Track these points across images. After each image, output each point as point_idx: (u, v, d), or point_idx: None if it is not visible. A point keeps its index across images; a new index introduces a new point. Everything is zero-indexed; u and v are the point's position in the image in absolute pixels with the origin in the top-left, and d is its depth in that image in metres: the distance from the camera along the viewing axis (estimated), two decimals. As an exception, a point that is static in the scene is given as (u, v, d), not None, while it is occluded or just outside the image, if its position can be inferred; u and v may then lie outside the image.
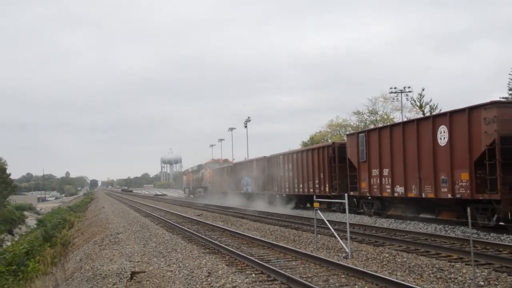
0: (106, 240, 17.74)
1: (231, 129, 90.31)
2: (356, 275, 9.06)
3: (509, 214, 15.07)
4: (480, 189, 15.91)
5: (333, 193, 25.93)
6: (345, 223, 15.37)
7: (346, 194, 13.01)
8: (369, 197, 22.54)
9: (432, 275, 9.09)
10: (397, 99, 55.47)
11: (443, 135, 17.57)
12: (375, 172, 21.81)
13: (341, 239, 12.68)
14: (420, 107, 50.52)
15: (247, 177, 40.72)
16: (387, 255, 11.20)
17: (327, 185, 26.73)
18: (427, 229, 16.80)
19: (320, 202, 13.55)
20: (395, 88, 55.46)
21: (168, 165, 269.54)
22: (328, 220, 14.13)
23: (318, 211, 13.58)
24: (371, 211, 22.48)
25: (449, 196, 17.09)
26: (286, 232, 17.41)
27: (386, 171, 21.00)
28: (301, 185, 29.85)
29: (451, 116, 17.25)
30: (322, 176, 27.30)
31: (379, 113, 57.55)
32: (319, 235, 15.46)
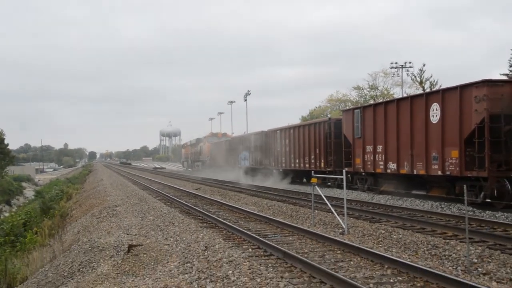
0: (104, 212, 17.85)
1: (231, 102, 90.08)
2: (352, 251, 9.15)
3: (495, 191, 15.42)
4: (469, 166, 16.23)
5: (328, 169, 26.24)
6: (342, 199, 15.51)
7: (344, 170, 13.05)
8: (363, 173, 22.84)
9: (427, 252, 9.17)
10: (398, 74, 55.23)
11: (435, 113, 17.76)
12: (369, 148, 22.05)
13: (338, 215, 12.76)
14: (421, 83, 50.24)
15: (245, 152, 40.89)
16: (383, 232, 11.29)
17: (322, 161, 27.00)
18: (423, 206, 16.91)
19: (317, 178, 13.57)
20: (395, 63, 55.13)
21: (167, 138, 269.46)
22: (325, 196, 14.19)
23: (316, 187, 13.63)
24: (364, 187, 22.82)
25: (439, 173, 17.41)
26: (283, 207, 17.51)
27: (380, 148, 21.24)
28: (297, 160, 30.14)
29: (443, 94, 17.41)
30: (317, 151, 27.54)
31: (379, 88, 57.33)
32: (316, 211, 15.55)
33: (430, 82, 49.33)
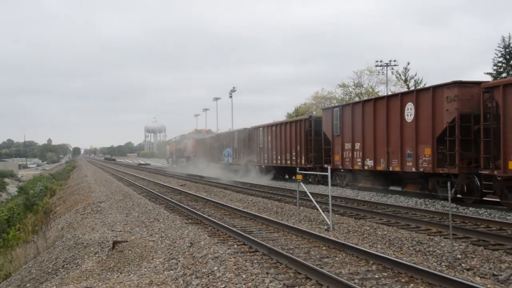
0: (88, 208, 17.70)
1: (216, 99, 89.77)
2: (337, 247, 9.17)
3: (465, 187, 16.00)
4: (441, 163, 16.78)
5: (308, 165, 26.74)
6: (327, 195, 15.59)
7: (329, 167, 13.08)
8: (342, 170, 23.33)
9: (411, 248, 9.24)
10: (383, 72, 55.54)
11: (410, 112, 18.29)
12: (347, 145, 22.58)
13: (323, 211, 12.80)
14: (405, 81, 50.68)
15: (228, 148, 41.24)
16: (368, 228, 11.37)
17: (303, 158, 27.49)
18: (408, 203, 17.05)
19: (301, 174, 13.63)
20: (380, 61, 55.45)
21: (152, 134, 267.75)
22: (310, 193, 14.23)
23: (301, 183, 13.65)
24: (343, 183, 23.31)
25: (413, 169, 17.93)
26: (268, 203, 17.54)
27: (357, 145, 21.77)
28: (279, 157, 30.66)
29: (417, 94, 18.02)
30: (298, 148, 28.03)
31: (364, 86, 57.59)
32: (302, 207, 15.61)
33: (415, 81, 49.80)
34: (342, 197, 18.87)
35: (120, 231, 12.07)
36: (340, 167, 23.12)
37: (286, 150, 29.62)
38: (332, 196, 15.76)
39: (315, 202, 13.14)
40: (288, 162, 29.36)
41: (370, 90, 56.69)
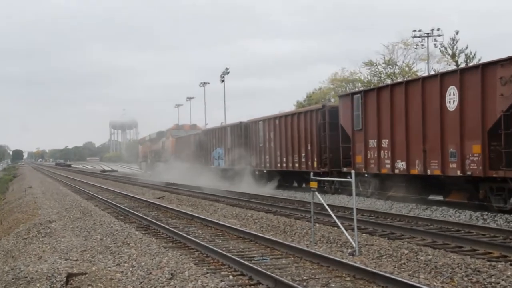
0: (33, 231, 17.62)
1: (203, 84, 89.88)
2: (365, 278, 9.10)
3: None
4: (495, 164, 16.67)
5: (322, 169, 26.88)
6: (350, 208, 15.46)
7: (352, 171, 13.01)
8: (366, 175, 23.34)
9: (466, 278, 9.16)
10: (422, 45, 55.54)
11: (452, 98, 18.32)
12: (372, 143, 22.68)
13: (346, 229, 12.72)
14: (453, 56, 50.55)
15: (218, 148, 41.52)
16: (406, 251, 11.29)
17: (315, 160, 27.73)
18: (459, 218, 16.99)
19: (316, 181, 13.54)
20: (419, 31, 55.41)
21: (120, 131, 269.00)
22: (329, 205, 14.16)
23: (317, 193, 13.58)
24: (367, 192, 23.39)
25: (459, 173, 17.94)
26: (274, 220, 17.50)
27: (385, 142, 21.88)
28: (284, 159, 30.94)
29: (462, 75, 17.98)
30: (309, 147, 28.26)
31: (398, 64, 57.60)
32: (317, 224, 15.52)
33: (466, 55, 49.67)
34: (370, 210, 18.83)
35: (77, 260, 11.97)
36: (363, 170, 23.19)
37: (294, 150, 29.80)
38: (358, 210, 15.66)
39: (335, 218, 13.06)
40: (297, 165, 29.60)
41: (406, 69, 56.74)
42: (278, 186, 32.49)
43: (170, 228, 15.86)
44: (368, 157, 22.87)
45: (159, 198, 29.23)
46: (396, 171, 21.14)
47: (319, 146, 27.34)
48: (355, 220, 12.18)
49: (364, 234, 13.91)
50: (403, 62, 57.75)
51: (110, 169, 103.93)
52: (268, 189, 31.49)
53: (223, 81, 78.53)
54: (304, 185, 31.74)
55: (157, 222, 17.49)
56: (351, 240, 12.11)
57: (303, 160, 28.85)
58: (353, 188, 12.42)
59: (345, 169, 24.73)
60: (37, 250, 13.84)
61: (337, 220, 12.98)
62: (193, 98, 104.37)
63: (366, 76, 59.19)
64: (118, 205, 24.70)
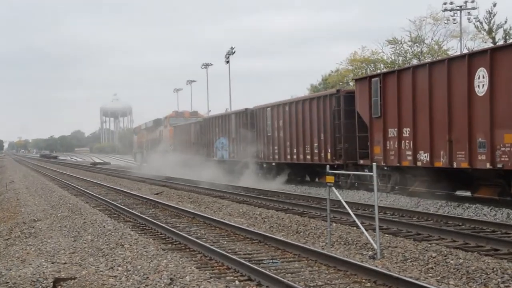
0: (16, 231, 17.73)
1: (206, 65, 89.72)
2: (388, 283, 9.13)
3: None
4: None
5: (337, 162, 26.98)
6: (371, 206, 15.44)
7: (374, 164, 12.99)
8: (385, 168, 23.40)
9: (502, 285, 9.18)
10: (454, 20, 55.15)
11: (481, 81, 18.25)
12: (392, 132, 22.74)
13: (366, 230, 12.73)
14: (489, 32, 50.27)
15: (222, 138, 41.68)
16: (434, 254, 11.30)
17: (329, 151, 27.85)
18: (495, 217, 16.95)
19: (332, 175, 13.54)
20: (451, 3, 54.98)
21: (112, 118, 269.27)
22: (347, 202, 14.17)
23: (333, 189, 13.59)
24: (387, 187, 23.50)
25: (488, 166, 17.88)
26: (285, 218, 17.54)
27: (406, 131, 21.94)
28: (295, 150, 31.10)
29: (492, 55, 17.88)
30: (322, 137, 28.41)
31: (426, 42, 57.34)
32: (334, 224, 15.55)
33: (505, 31, 49.35)
34: (394, 208, 18.83)
35: (65, 263, 12.04)
36: (382, 163, 23.24)
37: (305, 140, 29.96)
38: (380, 207, 15.65)
39: (354, 216, 13.07)
40: (308, 157, 29.77)
41: (435, 47, 56.45)
42: (288, 180, 32.65)
43: (169, 228, 15.90)
44: (388, 148, 22.94)
45: (156, 194, 29.27)
46: (419, 163, 21.18)
47: (333, 135, 27.43)
48: (376, 219, 12.18)
49: (386, 235, 13.90)
50: (432, 39, 57.59)
51: (101, 161, 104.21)
52: (277, 184, 31.61)
53: (228, 62, 78.38)
54: (317, 179, 31.83)
55: (154, 221, 17.53)
56: (372, 241, 12.12)
57: (316, 151, 28.99)
58: (375, 183, 12.42)
59: (362, 162, 24.86)
60: (21, 252, 13.92)
61: (356, 219, 12.99)
62: (194, 81, 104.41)
63: (390, 56, 59.07)
64: (111, 201, 24.76)
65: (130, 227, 17.34)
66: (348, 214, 13.64)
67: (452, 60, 20.02)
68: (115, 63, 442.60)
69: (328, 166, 14.44)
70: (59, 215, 20.76)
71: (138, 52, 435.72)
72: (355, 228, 14.53)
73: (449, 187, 21.29)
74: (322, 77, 67.72)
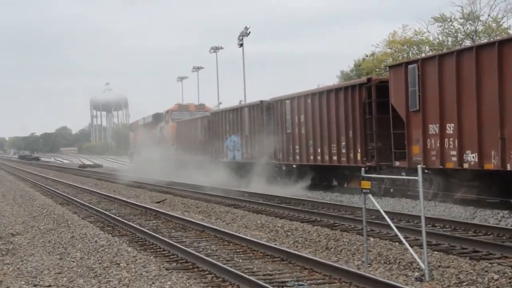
0: (-9, 247, 17.76)
1: (215, 49, 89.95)
2: (439, 311, 9.04)
3: None
4: None
5: (368, 163, 26.91)
6: (415, 217, 15.27)
7: (419, 167, 12.90)
8: (426, 171, 23.25)
9: None
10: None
11: None
12: (433, 128, 22.79)
13: (411, 246, 12.64)
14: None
15: (234, 136, 41.89)
16: (496, 276, 11.22)
17: (358, 150, 27.88)
18: None
19: (368, 180, 13.46)
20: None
21: (104, 113, 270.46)
22: (386, 212, 14.12)
23: (370, 197, 13.51)
24: (428, 193, 23.34)
25: None
26: (312, 232, 17.53)
27: (450, 128, 21.97)
28: (318, 150, 31.20)
29: None
30: (351, 134, 28.44)
31: (481, 18, 56.97)
32: (372, 238, 15.51)
33: None
34: (444, 219, 18.74)
35: (50, 286, 12.07)
36: (422, 165, 22.90)
37: (331, 138, 30.05)
38: (428, 219, 15.52)
39: (396, 230, 12.99)
40: (335, 158, 29.87)
41: (493, 25, 56.08)
42: (311, 184, 32.82)
43: (173, 243, 15.89)
44: (428, 147, 22.98)
45: (158, 202, 29.32)
46: (465, 165, 21.19)
47: (364, 132, 27.49)
48: (423, 233, 12.09)
49: (436, 252, 13.82)
50: (488, 16, 57.16)
51: (92, 163, 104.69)
52: (299, 190, 31.75)
53: (241, 45, 78.55)
54: (346, 185, 31.80)
55: (156, 235, 17.54)
56: (418, 260, 12.03)
57: (343, 151, 29.04)
58: (420, 189, 12.33)
59: (397, 163, 24.95)
60: (-3, 272, 13.96)
61: (398, 233, 12.90)
62: (201, 68, 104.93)
63: (437, 37, 58.77)
64: (104, 212, 24.81)
65: (127, 242, 17.33)
66: (388, 226, 13.57)
67: (503, 43, 19.95)
68: (107, 47, 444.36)
69: (363, 170, 14.36)
70: (42, 227, 20.81)
71: (135, 34, 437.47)
72: (397, 243, 14.45)
73: (501, 194, 21.18)
74: (355, 63, 67.44)
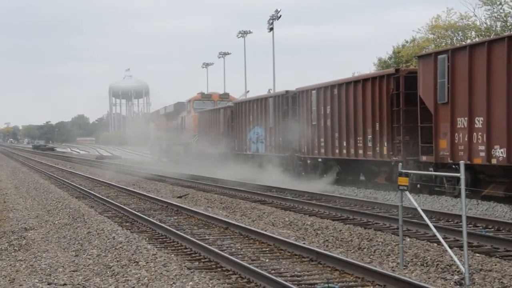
0: (2, 242, 17.90)
1: (244, 33, 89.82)
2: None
3: None
4: None
5: (394, 158, 27.51)
6: (455, 216, 15.18)
7: (462, 163, 12.84)
8: (454, 165, 23.69)
9: None
10: None
11: None
12: (461, 122, 23.25)
13: (450, 247, 12.60)
14: None
15: (257, 127, 42.29)
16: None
17: (385, 144, 28.41)
18: None
19: (405, 176, 13.44)
20: None
21: (124, 101, 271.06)
22: (424, 210, 14.07)
23: (407, 194, 13.49)
24: (455, 189, 23.94)
25: None
26: (344, 231, 17.54)
27: (479, 121, 22.36)
28: (344, 143, 31.80)
29: None
30: (378, 127, 29.01)
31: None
32: (408, 239, 15.47)
33: None
34: (487, 219, 18.66)
35: (65, 284, 12.15)
36: (449, 160, 23.75)
37: (357, 131, 30.62)
38: (469, 218, 15.44)
39: (434, 230, 12.95)
40: (360, 152, 30.39)
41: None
42: (337, 180, 33.31)
43: (195, 241, 15.92)
44: (456, 141, 23.41)
45: (180, 197, 29.44)
46: (494, 161, 21.56)
47: (391, 125, 27.97)
48: (464, 233, 12.04)
49: (477, 255, 13.78)
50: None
51: (110, 154, 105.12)
52: (324, 185, 32.14)
53: (271, 29, 78.37)
54: (373, 180, 31.97)
55: (177, 232, 17.57)
56: (458, 262, 12.00)
57: (370, 144, 29.58)
58: (462, 187, 12.26)
59: (424, 158, 25.41)
60: (8, 270, 14.06)
61: (437, 233, 12.86)
62: (228, 54, 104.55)
63: (484, 21, 58.19)
64: (123, 206, 24.90)
65: (147, 239, 17.42)
66: (426, 226, 13.54)
67: None
68: (128, 30, 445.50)
69: (401, 166, 14.33)
70: (56, 222, 20.96)
71: (157, 16, 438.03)
72: (435, 244, 14.41)
73: None
74: (394, 49, 67.02)
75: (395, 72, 28.23)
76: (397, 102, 27.43)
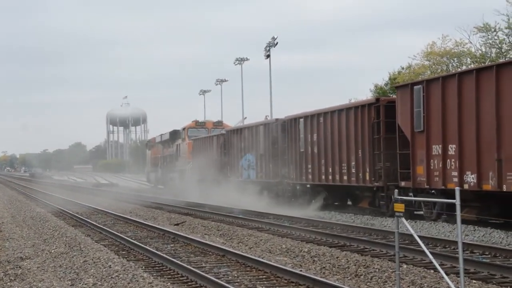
0: (-1, 272, 17.87)
1: (240, 61, 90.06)
2: None
3: None
4: None
5: (375, 183, 28.60)
6: (451, 242, 15.18)
7: (457, 189, 12.86)
8: (431, 191, 24.80)
9: None
10: None
11: None
12: (436, 149, 24.21)
13: (447, 273, 12.59)
14: None
15: (249, 155, 42.86)
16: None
17: (367, 170, 29.26)
18: None
19: (402, 202, 13.45)
20: None
21: (122, 128, 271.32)
22: (420, 237, 14.07)
23: (404, 220, 13.48)
24: (432, 213, 24.97)
25: None
26: (341, 257, 17.53)
27: (452, 148, 23.34)
28: (330, 170, 32.61)
29: None
30: (360, 154, 29.86)
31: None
32: (405, 265, 15.51)
33: None
34: (483, 245, 18.69)
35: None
36: (426, 185, 24.60)
37: (342, 158, 31.47)
38: (465, 244, 15.47)
39: (430, 256, 12.93)
40: (345, 177, 31.22)
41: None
42: (324, 205, 33.94)
43: (192, 269, 15.93)
44: (432, 167, 24.22)
45: (176, 224, 29.41)
46: (465, 186, 22.25)
47: (372, 152, 28.73)
48: (461, 260, 12.02)
49: (474, 281, 13.83)
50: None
51: (107, 182, 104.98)
52: (312, 211, 32.86)
53: (268, 56, 78.62)
54: (359, 205, 32.84)
55: (174, 260, 17.57)
56: (454, 289, 11.99)
57: (353, 171, 30.33)
58: (458, 212, 12.25)
59: (403, 183, 26.22)
60: (4, 300, 14.06)
61: (433, 260, 12.85)
62: (225, 81, 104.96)
63: (479, 48, 58.38)
64: (119, 234, 24.89)
65: (143, 267, 17.42)
66: (423, 252, 13.53)
67: (501, 66, 21.05)
68: (125, 58, 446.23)
69: (396, 192, 14.33)
70: (53, 251, 20.92)
71: (155, 44, 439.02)
72: (432, 271, 14.44)
73: (502, 214, 22.19)
74: (390, 75, 67.17)
75: (375, 101, 29.20)
76: (378, 130, 28.30)
